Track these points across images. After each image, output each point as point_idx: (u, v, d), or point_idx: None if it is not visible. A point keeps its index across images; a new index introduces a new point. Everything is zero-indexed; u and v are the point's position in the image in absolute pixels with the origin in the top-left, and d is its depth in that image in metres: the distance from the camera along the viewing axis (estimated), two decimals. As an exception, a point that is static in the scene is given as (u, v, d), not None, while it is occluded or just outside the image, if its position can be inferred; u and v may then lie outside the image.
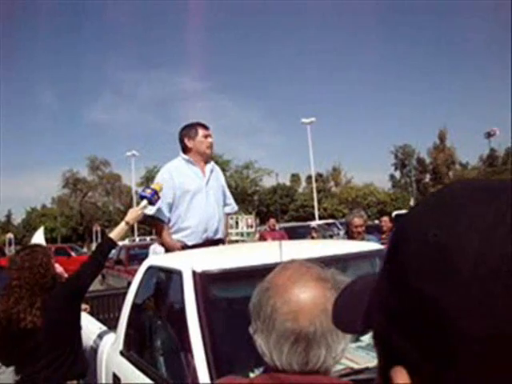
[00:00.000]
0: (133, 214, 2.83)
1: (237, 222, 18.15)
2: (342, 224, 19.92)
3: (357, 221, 4.35)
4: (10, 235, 34.37)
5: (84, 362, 2.49)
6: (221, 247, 3.00)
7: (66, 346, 2.38)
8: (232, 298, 2.12)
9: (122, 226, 2.76)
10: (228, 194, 3.51)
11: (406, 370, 0.35)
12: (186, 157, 3.24)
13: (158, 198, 2.89)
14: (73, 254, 19.46)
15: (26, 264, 2.32)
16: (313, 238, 10.73)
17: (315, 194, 34.29)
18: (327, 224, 20.85)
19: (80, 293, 2.49)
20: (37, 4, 75.89)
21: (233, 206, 3.54)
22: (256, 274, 2.06)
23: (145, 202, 2.85)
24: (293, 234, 11.66)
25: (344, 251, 2.20)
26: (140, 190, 2.92)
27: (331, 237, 14.58)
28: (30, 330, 2.24)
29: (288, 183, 55.19)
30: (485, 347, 0.30)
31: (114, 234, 2.68)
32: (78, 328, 2.49)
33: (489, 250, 0.31)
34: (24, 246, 2.56)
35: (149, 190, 2.86)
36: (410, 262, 0.35)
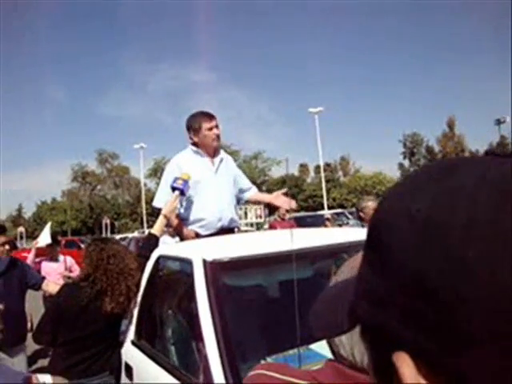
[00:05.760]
0: (169, 207, 2.89)
1: (246, 213, 18.13)
2: (351, 213, 19.90)
3: (372, 204, 4.37)
4: (21, 229, 34.57)
5: (119, 356, 2.50)
6: (231, 236, 2.99)
7: (111, 339, 2.44)
8: (243, 286, 2.11)
9: (161, 219, 2.88)
10: (244, 178, 3.47)
11: (407, 354, 0.34)
12: (194, 148, 3.20)
13: (189, 187, 2.93)
14: (83, 246, 19.59)
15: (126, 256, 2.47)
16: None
17: (324, 184, 34.22)
18: (336, 214, 20.78)
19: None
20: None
21: (253, 188, 3.50)
22: (266, 262, 2.07)
23: (177, 192, 2.90)
24: (302, 224, 11.64)
25: (356, 238, 2.18)
26: (171, 182, 2.94)
27: (340, 226, 14.53)
28: (100, 315, 2.31)
29: (296, 173, 55.12)
30: (486, 314, 0.30)
31: (155, 229, 2.85)
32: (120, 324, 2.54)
33: (477, 212, 0.32)
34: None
35: (180, 181, 2.90)
36: (396, 242, 0.35)
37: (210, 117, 3.19)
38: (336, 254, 2.19)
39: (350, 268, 0.75)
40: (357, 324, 0.42)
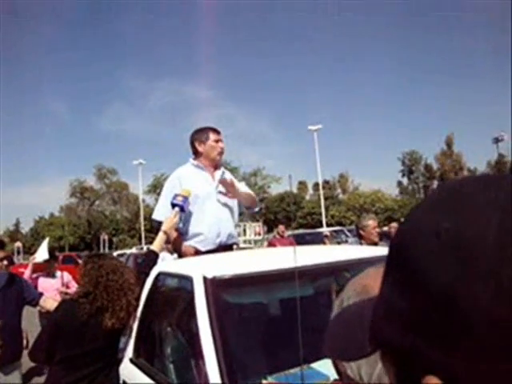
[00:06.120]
0: (169, 224, 2.89)
1: (244, 230, 18.09)
2: (350, 231, 19.87)
3: (373, 222, 4.40)
4: (18, 244, 34.48)
5: (117, 374, 2.46)
6: (231, 253, 2.97)
7: (110, 356, 2.39)
8: (243, 303, 2.10)
9: (161, 236, 2.87)
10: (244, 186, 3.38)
11: (437, 377, 0.33)
12: (194, 162, 3.22)
13: (189, 203, 2.93)
14: (80, 262, 19.48)
15: (124, 273, 2.42)
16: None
17: (322, 202, 34.25)
18: (335, 231, 20.74)
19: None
20: (47, 12, 77.05)
21: None
22: (267, 279, 2.05)
23: (177, 209, 2.89)
24: (301, 241, 11.61)
25: (357, 256, 2.17)
26: (171, 197, 2.94)
27: (339, 244, 14.51)
28: (100, 331, 2.27)
29: (295, 191, 55.17)
30: None
31: (155, 246, 2.85)
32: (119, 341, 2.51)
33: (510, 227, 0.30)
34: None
35: (180, 198, 2.90)
36: (424, 262, 0.34)
37: (218, 131, 3.28)
38: (337, 271, 2.18)
39: (354, 288, 0.75)
40: (379, 347, 0.41)
